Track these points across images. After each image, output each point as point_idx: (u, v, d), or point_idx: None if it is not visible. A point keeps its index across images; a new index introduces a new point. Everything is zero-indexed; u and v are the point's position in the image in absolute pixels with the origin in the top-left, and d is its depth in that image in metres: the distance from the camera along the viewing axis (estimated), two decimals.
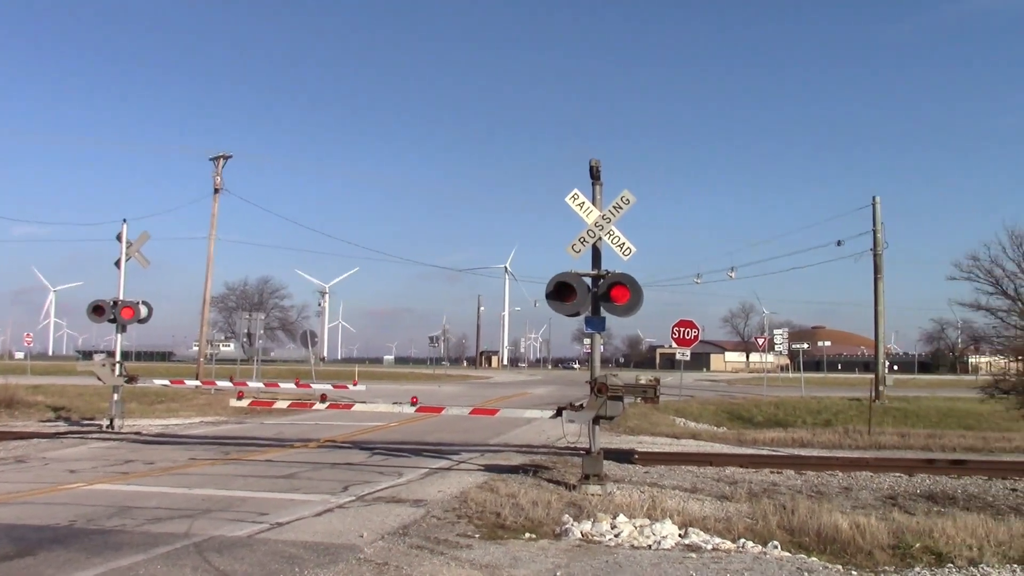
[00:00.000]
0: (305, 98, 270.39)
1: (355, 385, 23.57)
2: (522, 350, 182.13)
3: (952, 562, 9.17)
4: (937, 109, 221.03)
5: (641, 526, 10.15)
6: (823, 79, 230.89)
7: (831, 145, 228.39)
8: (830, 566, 8.56)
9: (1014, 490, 16.30)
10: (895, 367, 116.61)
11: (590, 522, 10.29)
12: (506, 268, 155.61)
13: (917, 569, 8.37)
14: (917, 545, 10.17)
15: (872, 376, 45.31)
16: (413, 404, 15.77)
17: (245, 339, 41.60)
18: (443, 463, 16.33)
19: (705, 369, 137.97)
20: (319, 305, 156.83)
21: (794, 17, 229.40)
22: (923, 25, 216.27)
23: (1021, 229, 33.22)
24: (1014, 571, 7.98)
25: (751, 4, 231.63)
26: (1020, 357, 34.17)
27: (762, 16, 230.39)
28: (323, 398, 17.71)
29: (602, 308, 13.69)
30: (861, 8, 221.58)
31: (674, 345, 39.07)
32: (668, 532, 9.90)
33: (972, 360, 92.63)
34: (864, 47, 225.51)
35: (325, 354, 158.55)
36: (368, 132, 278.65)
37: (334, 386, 24.95)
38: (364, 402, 20.68)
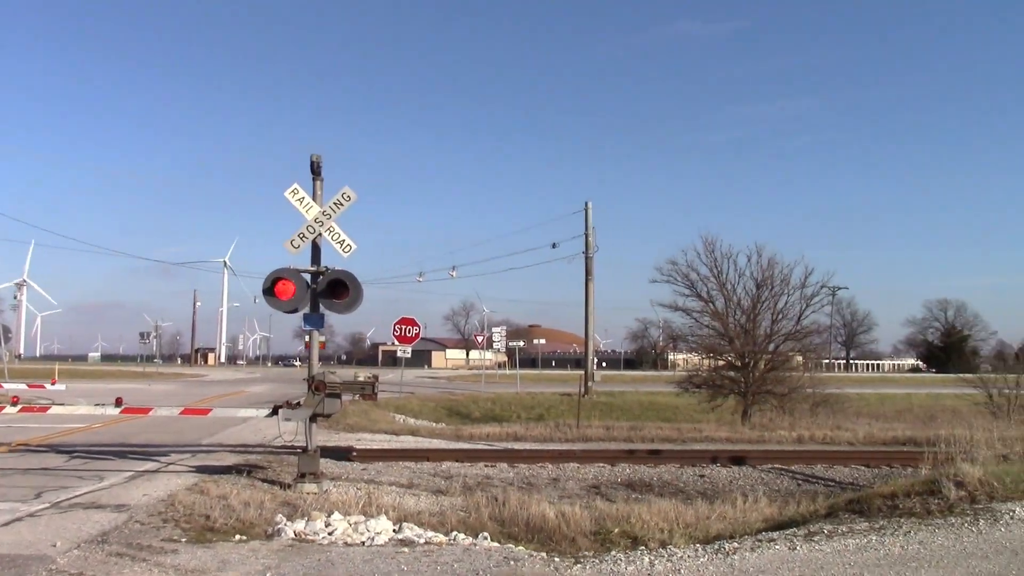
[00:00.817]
0: (16, 78, 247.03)
1: (53, 384, 21.94)
2: (241, 347, 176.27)
3: (646, 545, 9.87)
4: (648, 121, 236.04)
5: (356, 523, 10.16)
6: (546, 84, 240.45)
7: (551, 150, 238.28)
8: (535, 554, 8.95)
9: (702, 476, 17.75)
10: (603, 364, 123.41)
11: (304, 521, 10.17)
12: (225, 262, 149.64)
13: (614, 553, 8.92)
14: (616, 530, 10.87)
15: (582, 372, 47.71)
16: (118, 404, 14.83)
17: None
18: (150, 465, 15.54)
19: (427, 366, 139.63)
20: (15, 299, 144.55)
21: (518, 25, 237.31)
22: (636, 44, 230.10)
23: (713, 237, 36.17)
24: (696, 550, 8.70)
25: (479, 9, 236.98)
26: (711, 355, 37.22)
27: (487, 21, 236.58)
28: (14, 401, 16.27)
29: (321, 305, 13.54)
30: (581, 22, 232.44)
31: (396, 342, 39.30)
32: (383, 528, 9.97)
33: (671, 357, 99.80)
34: (582, 59, 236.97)
35: (22, 351, 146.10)
36: (80, 119, 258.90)
37: (29, 385, 23.08)
38: (63, 403, 19.24)
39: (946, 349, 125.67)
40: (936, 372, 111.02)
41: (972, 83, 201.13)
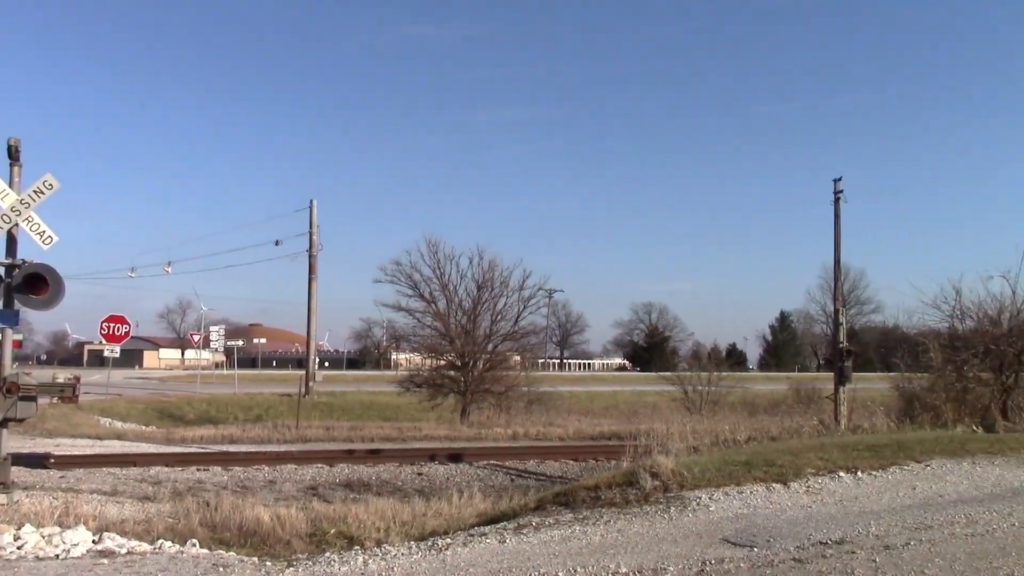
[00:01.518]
0: None
1: None
2: None
3: (362, 544, 9.89)
4: (375, 122, 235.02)
5: (50, 535, 9.46)
6: (273, 80, 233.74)
7: (276, 145, 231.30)
8: (247, 559, 8.73)
9: (421, 474, 18.04)
10: (326, 363, 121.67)
11: None
12: None
13: (328, 554, 8.87)
14: (332, 531, 10.82)
15: (303, 372, 47.04)
16: None
17: None
18: None
19: (138, 366, 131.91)
20: None
21: (247, 16, 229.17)
22: (365, 44, 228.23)
23: (437, 239, 36.87)
24: (411, 547, 8.83)
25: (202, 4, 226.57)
26: (432, 354, 37.85)
27: (216, 8, 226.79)
28: None
29: (17, 301, 12.51)
30: (312, 19, 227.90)
31: (104, 341, 37.11)
32: (81, 539, 9.36)
33: (394, 356, 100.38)
34: (311, 56, 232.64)
35: None
36: None
37: None
38: None
39: (649, 349, 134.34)
40: (640, 371, 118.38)
41: (681, 97, 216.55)
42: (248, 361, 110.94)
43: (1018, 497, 10.57)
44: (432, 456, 19.62)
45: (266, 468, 17.89)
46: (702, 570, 7.66)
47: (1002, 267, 22.68)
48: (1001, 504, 10.11)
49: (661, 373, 53.97)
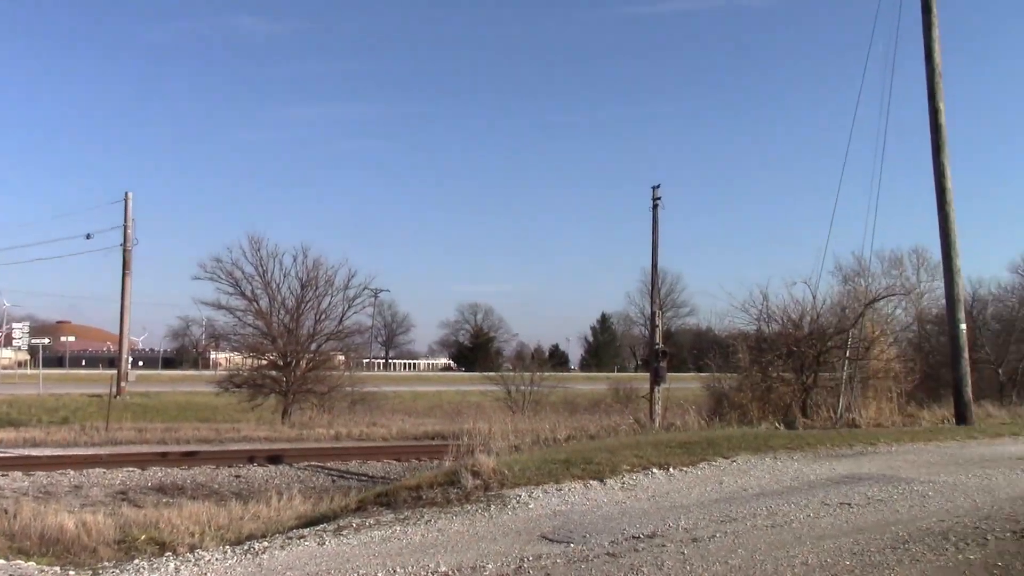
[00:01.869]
0: None
1: None
2: None
3: (174, 550, 9.57)
4: (199, 116, 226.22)
5: None
6: (89, 67, 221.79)
7: (88, 135, 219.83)
8: (48, 568, 8.29)
9: (238, 476, 17.61)
10: (140, 363, 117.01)
11: None
12: None
13: (137, 561, 8.52)
14: (143, 537, 10.45)
15: (115, 372, 45.07)
16: None
17: None
18: None
19: None
20: None
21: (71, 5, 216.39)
22: (186, 34, 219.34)
23: (260, 235, 36.04)
24: (226, 551, 8.60)
25: None
26: (253, 354, 36.93)
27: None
28: None
29: None
30: (130, 7, 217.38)
31: None
32: None
33: (213, 356, 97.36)
34: (127, 44, 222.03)
35: None
36: None
37: None
38: None
39: (474, 349, 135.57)
40: (465, 371, 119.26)
41: (503, 98, 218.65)
42: (55, 360, 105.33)
43: (813, 490, 11.28)
44: (251, 458, 19.18)
45: (72, 472, 17.05)
46: (520, 567, 7.80)
47: (805, 273, 24.24)
48: (798, 496, 10.77)
49: (485, 373, 54.55)
